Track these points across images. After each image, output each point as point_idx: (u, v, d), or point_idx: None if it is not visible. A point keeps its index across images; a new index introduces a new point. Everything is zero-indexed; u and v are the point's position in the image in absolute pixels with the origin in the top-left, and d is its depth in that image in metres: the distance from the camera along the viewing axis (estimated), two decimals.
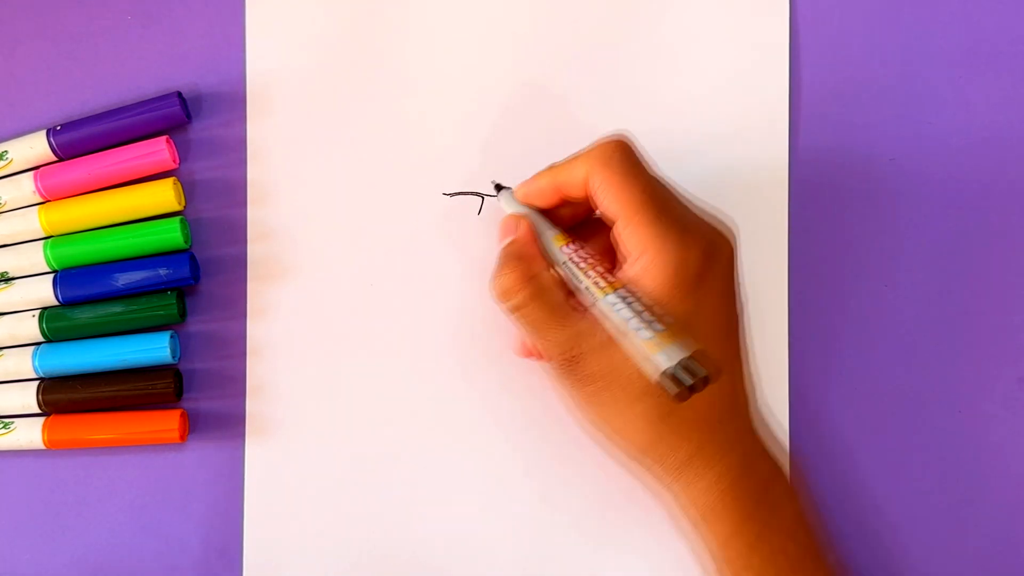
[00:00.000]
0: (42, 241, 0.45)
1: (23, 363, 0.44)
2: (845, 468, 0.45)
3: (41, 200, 0.45)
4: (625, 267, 0.39)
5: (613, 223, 0.39)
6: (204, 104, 0.46)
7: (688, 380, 0.35)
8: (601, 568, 0.44)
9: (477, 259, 0.45)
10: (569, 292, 0.40)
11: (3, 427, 0.44)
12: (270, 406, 0.45)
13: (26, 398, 0.44)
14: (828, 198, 0.46)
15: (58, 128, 0.45)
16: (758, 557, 0.39)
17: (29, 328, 0.44)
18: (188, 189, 0.46)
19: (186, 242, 0.45)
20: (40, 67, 0.46)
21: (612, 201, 0.39)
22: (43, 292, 0.44)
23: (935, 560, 0.45)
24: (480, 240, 0.45)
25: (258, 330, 0.45)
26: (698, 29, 0.46)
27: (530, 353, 0.42)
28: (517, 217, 0.41)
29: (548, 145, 0.46)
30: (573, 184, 0.40)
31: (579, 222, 0.42)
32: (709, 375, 0.36)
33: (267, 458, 0.45)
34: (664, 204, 0.39)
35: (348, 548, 0.45)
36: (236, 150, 0.46)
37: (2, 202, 0.45)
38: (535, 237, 0.41)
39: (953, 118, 0.46)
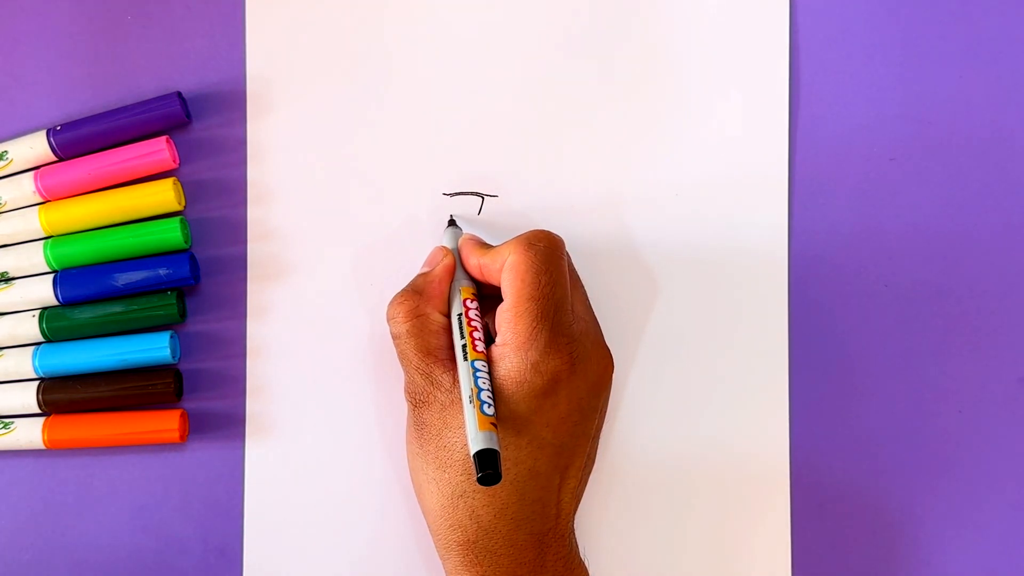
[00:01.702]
0: (42, 241, 0.45)
1: (23, 363, 0.44)
2: (845, 468, 0.45)
3: (41, 200, 0.45)
4: (493, 346, 0.39)
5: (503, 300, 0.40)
6: (204, 104, 0.46)
7: (478, 473, 0.36)
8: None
9: None
10: (451, 341, 0.40)
11: (3, 427, 0.44)
12: (270, 406, 0.45)
13: (26, 398, 0.44)
14: (828, 198, 0.46)
15: (58, 128, 0.45)
16: None
17: (29, 328, 0.44)
18: (188, 189, 0.46)
19: (186, 242, 0.45)
20: (40, 67, 0.46)
21: (509, 284, 0.39)
22: (43, 292, 0.44)
23: (936, 560, 0.45)
24: None
25: (258, 330, 0.45)
26: (698, 29, 0.46)
27: None
28: (445, 251, 0.42)
29: (547, 145, 0.46)
30: (492, 271, 0.40)
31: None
32: (487, 477, 0.35)
33: (267, 458, 0.45)
34: (555, 305, 0.39)
35: (348, 548, 0.45)
36: (236, 150, 0.46)
37: (2, 202, 0.45)
38: (448, 277, 0.42)
39: (953, 118, 0.46)
